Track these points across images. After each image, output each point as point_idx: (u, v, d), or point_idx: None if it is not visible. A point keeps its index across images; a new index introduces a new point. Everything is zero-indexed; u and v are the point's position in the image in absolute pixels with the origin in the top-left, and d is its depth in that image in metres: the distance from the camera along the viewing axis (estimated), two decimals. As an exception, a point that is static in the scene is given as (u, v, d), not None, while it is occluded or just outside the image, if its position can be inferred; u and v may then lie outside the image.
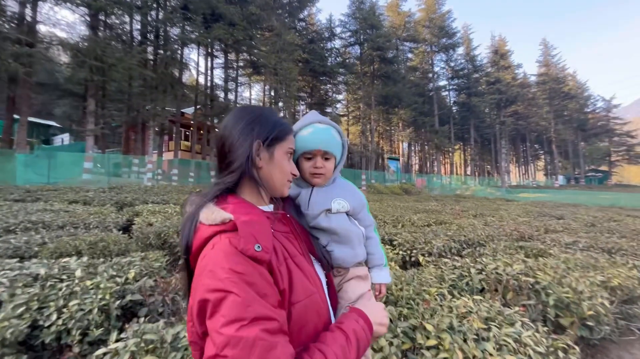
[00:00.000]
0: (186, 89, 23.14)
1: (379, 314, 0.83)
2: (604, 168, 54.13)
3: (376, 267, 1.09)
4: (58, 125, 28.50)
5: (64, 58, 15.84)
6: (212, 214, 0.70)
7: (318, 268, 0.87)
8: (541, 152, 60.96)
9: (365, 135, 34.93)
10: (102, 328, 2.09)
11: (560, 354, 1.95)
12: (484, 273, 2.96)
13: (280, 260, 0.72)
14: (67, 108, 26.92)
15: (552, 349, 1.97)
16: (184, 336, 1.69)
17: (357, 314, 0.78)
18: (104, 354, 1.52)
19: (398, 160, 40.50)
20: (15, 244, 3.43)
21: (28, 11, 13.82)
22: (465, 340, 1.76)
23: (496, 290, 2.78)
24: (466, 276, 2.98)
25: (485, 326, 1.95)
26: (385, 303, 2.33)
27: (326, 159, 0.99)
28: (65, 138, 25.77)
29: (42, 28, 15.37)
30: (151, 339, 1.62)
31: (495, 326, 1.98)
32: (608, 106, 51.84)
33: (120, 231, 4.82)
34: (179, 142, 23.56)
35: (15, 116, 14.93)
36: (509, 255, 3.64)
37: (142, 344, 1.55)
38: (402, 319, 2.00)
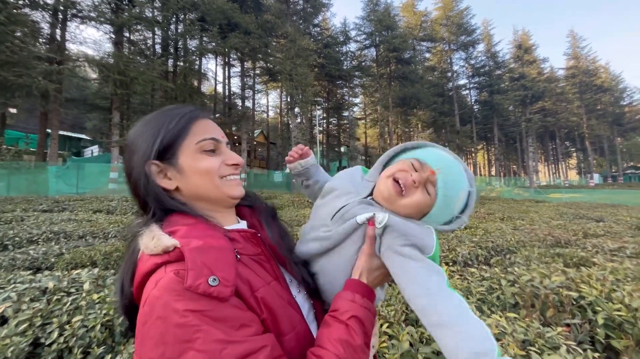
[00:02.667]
0: (205, 99, 23.77)
1: (373, 268, 0.65)
2: (644, 164, 50.27)
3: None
4: (88, 138, 30.13)
5: (91, 74, 16.69)
6: (152, 240, 0.54)
7: (300, 295, 0.68)
8: (573, 149, 57.55)
9: (384, 137, 34.38)
10: (104, 346, 2.00)
11: (618, 387, 1.65)
12: (517, 285, 2.66)
13: (252, 287, 0.57)
14: (96, 121, 28.40)
15: (606, 381, 1.66)
16: None
17: (351, 291, 0.62)
18: (95, 380, 1.40)
19: (418, 162, 39.39)
20: (33, 255, 3.48)
21: (57, 31, 14.69)
22: (500, 371, 1.50)
23: (533, 306, 2.46)
24: (497, 288, 2.68)
25: (523, 352, 1.67)
26: (404, 321, 2.10)
27: None
28: (94, 150, 27.16)
29: (70, 46, 16.32)
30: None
31: (535, 351, 1.71)
32: (646, 98, 48.27)
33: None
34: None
35: (48, 130, 15.84)
36: (545, 264, 3.28)
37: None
38: (423, 342, 1.77)
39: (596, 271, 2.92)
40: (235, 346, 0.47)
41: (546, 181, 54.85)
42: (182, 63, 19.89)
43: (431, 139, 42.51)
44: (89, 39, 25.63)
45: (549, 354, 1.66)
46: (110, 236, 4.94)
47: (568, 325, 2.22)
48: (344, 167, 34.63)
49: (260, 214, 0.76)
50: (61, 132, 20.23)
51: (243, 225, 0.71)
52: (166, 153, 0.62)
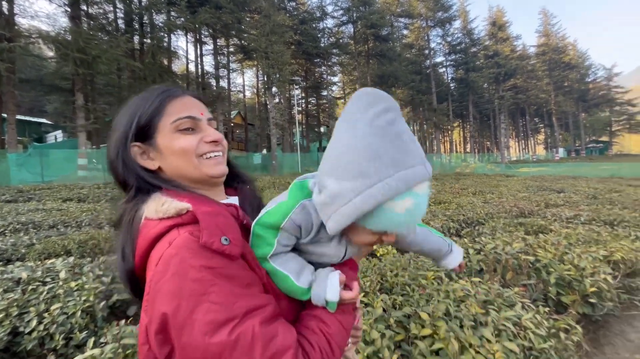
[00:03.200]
0: (177, 78, 22.57)
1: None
2: (604, 138, 53.69)
3: (447, 254, 0.88)
4: (50, 122, 28.10)
5: (47, 52, 15.33)
6: (163, 205, 0.56)
7: None
8: (541, 125, 60.33)
9: (363, 117, 34.35)
10: (87, 331, 2.02)
11: (562, 335, 1.88)
12: (482, 253, 2.88)
13: (252, 253, 0.60)
14: (58, 104, 26.45)
15: (553, 330, 1.89)
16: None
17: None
18: (81, 361, 1.43)
19: (397, 140, 39.98)
20: (1, 247, 3.34)
21: (4, 3, 13.23)
22: (462, 327, 1.68)
23: (495, 271, 2.70)
24: (465, 257, 2.89)
25: (483, 311, 1.86)
26: (379, 290, 2.25)
27: None
28: (58, 135, 25.44)
29: (20, 21, 14.80)
30: (131, 343, 1.53)
31: (494, 309, 1.90)
32: (609, 75, 50.86)
33: (114, 228, 4.73)
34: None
35: (3, 115, 14.61)
36: (509, 233, 3.55)
37: (120, 350, 1.47)
38: (396, 308, 1.92)
39: (552, 237, 3.20)
40: (245, 300, 0.50)
41: (516, 157, 57.55)
42: (149, 41, 18.62)
43: (409, 117, 43.06)
44: (41, 13, 23.23)
45: (505, 311, 1.86)
46: (84, 224, 4.79)
47: (525, 286, 2.46)
48: (325, 148, 34.55)
49: (245, 201, 0.75)
50: (19, 117, 18.71)
51: (234, 200, 0.72)
52: (144, 134, 0.62)
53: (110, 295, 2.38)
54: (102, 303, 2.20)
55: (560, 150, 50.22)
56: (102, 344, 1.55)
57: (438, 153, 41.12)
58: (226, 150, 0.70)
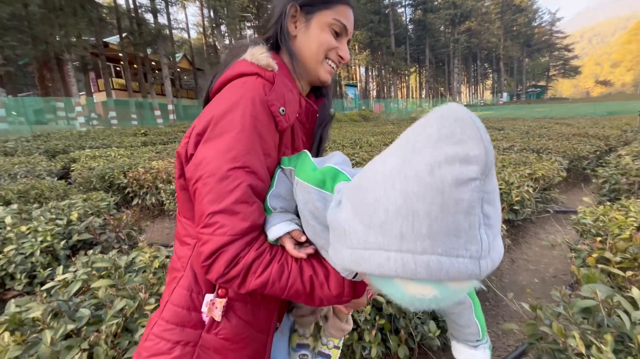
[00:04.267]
0: (102, 10, 19.12)
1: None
2: (542, 83, 58.23)
3: (466, 343, 0.69)
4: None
5: None
6: (262, 54, 0.64)
7: None
8: (490, 70, 63.15)
9: (321, 61, 32.90)
10: (50, 268, 1.99)
11: (491, 232, 2.26)
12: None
13: (293, 143, 0.69)
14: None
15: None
16: (141, 260, 1.65)
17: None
18: (52, 288, 1.44)
19: (356, 86, 39.60)
20: None
21: None
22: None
23: (442, 190, 3.04)
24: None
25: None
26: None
27: None
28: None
29: None
30: (104, 267, 1.56)
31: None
32: (552, 19, 53.27)
33: (56, 179, 4.35)
34: (109, 79, 20.47)
35: None
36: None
37: (94, 273, 1.49)
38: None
39: (490, 162, 3.63)
40: (254, 158, 0.56)
41: (466, 102, 60.71)
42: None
43: (368, 61, 42.17)
44: None
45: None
46: (19, 176, 4.32)
47: (465, 200, 2.84)
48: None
49: (319, 112, 0.79)
50: None
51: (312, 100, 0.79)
52: (308, 6, 0.67)
53: (70, 236, 2.31)
54: (62, 242, 2.13)
55: (504, 94, 53.77)
56: (73, 271, 1.55)
57: (395, 99, 41.75)
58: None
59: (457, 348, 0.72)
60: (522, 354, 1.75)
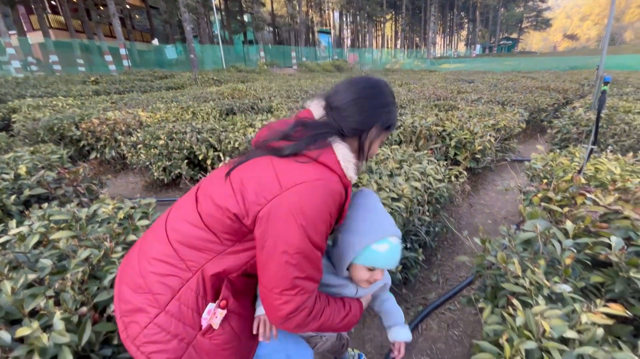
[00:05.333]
0: None
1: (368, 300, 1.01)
2: (514, 36, 58.19)
3: (398, 325, 1.06)
4: None
5: None
6: (349, 163, 0.77)
7: None
8: (466, 20, 61.58)
9: (292, 3, 30.14)
10: (2, 224, 1.86)
11: (453, 179, 2.40)
12: (402, 127, 3.24)
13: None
14: None
15: (448, 176, 2.40)
16: (104, 212, 1.59)
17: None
18: (6, 242, 1.36)
19: (329, 33, 37.27)
20: None
21: None
22: (380, 177, 2.01)
23: (411, 140, 3.12)
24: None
25: (398, 166, 2.22)
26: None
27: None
28: None
29: None
30: (63, 219, 1.49)
31: (407, 165, 2.28)
32: (531, -34, 51.50)
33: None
34: (43, 15, 17.52)
35: None
36: (425, 112, 3.99)
37: (52, 225, 1.42)
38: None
39: (458, 113, 3.72)
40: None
41: (441, 53, 59.86)
42: None
43: (342, 5, 39.27)
44: None
45: (414, 165, 2.25)
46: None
47: (432, 149, 2.95)
48: (250, 42, 30.46)
49: None
50: None
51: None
52: (385, 129, 0.86)
53: (20, 191, 2.14)
54: (13, 197, 1.98)
55: (478, 46, 53.44)
56: (29, 225, 1.47)
57: (370, 48, 40.12)
58: None
59: (392, 331, 1.05)
60: (470, 283, 2.00)
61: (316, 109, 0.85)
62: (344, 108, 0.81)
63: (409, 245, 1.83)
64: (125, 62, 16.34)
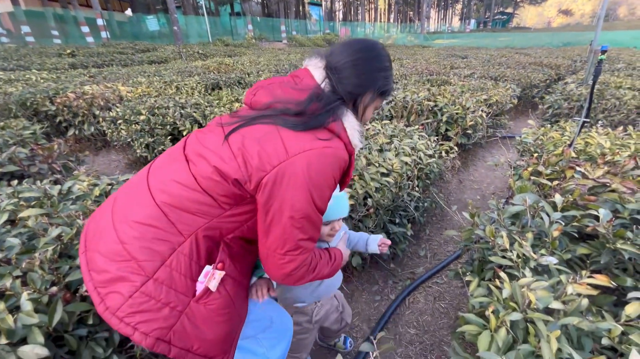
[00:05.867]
0: None
1: (345, 253, 1.04)
2: (509, 10, 56.90)
3: (365, 242, 1.18)
4: None
5: None
6: (355, 131, 0.78)
7: None
8: (461, -8, 59.66)
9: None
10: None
11: (444, 154, 2.37)
12: (393, 102, 3.16)
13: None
14: None
15: (438, 151, 2.36)
16: (79, 189, 1.51)
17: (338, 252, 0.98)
18: (-27, 220, 1.28)
19: (320, 5, 35.71)
20: None
21: None
22: (370, 152, 1.96)
23: (402, 116, 3.05)
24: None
25: (388, 141, 2.17)
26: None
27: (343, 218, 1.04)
28: None
29: None
30: (34, 197, 1.40)
31: (397, 140, 2.23)
32: None
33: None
34: (10, -20, 16.12)
35: None
36: (417, 87, 3.89)
37: (22, 203, 1.34)
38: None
39: (450, 88, 3.64)
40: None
41: (435, 28, 58.36)
42: None
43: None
44: None
45: (405, 140, 2.20)
46: None
47: (423, 124, 2.89)
48: (238, 14, 28.96)
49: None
50: None
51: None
52: (379, 95, 0.83)
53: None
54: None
55: (472, 21, 52.17)
56: (-3, 203, 1.38)
57: (362, 22, 38.81)
58: None
59: (370, 247, 1.18)
60: (458, 257, 2.02)
61: (315, 70, 0.81)
62: (340, 70, 0.78)
63: (397, 220, 1.82)
64: (104, 34, 15.41)
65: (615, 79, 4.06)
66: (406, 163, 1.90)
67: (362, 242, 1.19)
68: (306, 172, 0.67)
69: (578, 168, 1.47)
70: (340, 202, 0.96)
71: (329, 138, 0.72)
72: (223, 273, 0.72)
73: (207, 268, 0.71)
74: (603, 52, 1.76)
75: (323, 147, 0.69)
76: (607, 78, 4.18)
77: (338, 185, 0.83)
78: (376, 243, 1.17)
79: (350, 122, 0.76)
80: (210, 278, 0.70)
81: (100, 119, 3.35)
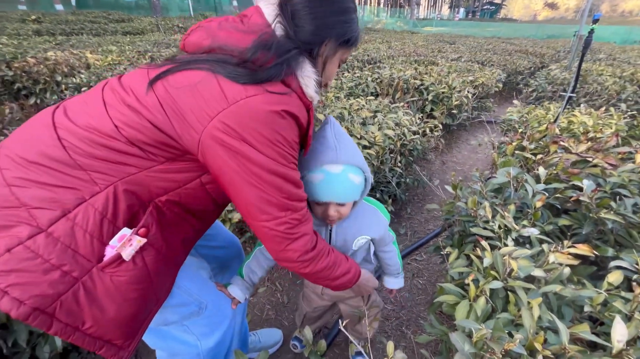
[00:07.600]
0: None
1: (370, 280, 0.94)
2: (497, 1, 57.08)
3: (392, 276, 1.09)
4: None
5: None
6: (310, 81, 0.64)
7: None
8: (452, -22, 59.12)
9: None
10: None
11: (428, 131, 2.31)
12: (379, 79, 3.06)
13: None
14: None
15: (422, 129, 2.30)
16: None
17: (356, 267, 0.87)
18: None
19: (309, -15, 34.42)
20: None
21: None
22: (353, 124, 1.86)
23: (388, 93, 2.96)
24: (363, 83, 3.04)
25: (372, 115, 2.08)
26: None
27: (340, 204, 0.81)
28: None
29: None
30: None
31: (381, 115, 2.15)
32: None
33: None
34: None
35: None
36: (404, 66, 3.80)
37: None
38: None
39: (438, 68, 3.57)
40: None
41: (424, 15, 57.87)
42: None
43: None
44: None
45: (389, 115, 2.12)
46: None
47: (408, 102, 2.82)
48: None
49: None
50: None
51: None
52: (340, 45, 0.68)
53: None
54: None
55: (461, 10, 52.11)
56: None
57: (352, 5, 37.92)
58: None
59: (386, 280, 1.10)
60: (438, 234, 1.99)
61: (267, 7, 0.64)
62: (294, 12, 0.62)
63: (378, 196, 1.76)
64: (74, 1, 14.30)
65: (597, 67, 4.11)
66: (389, 137, 1.83)
67: (392, 263, 1.08)
68: (250, 120, 0.54)
69: (562, 143, 1.43)
70: (327, 183, 0.76)
71: (283, 92, 0.58)
72: (144, 240, 0.59)
73: (125, 230, 0.57)
74: (595, 21, 1.71)
75: (269, 91, 0.57)
76: (590, 66, 4.22)
77: (338, 165, 0.75)
78: (398, 285, 1.10)
79: (305, 71, 0.63)
80: (126, 243, 0.57)
81: (64, 87, 3.08)
